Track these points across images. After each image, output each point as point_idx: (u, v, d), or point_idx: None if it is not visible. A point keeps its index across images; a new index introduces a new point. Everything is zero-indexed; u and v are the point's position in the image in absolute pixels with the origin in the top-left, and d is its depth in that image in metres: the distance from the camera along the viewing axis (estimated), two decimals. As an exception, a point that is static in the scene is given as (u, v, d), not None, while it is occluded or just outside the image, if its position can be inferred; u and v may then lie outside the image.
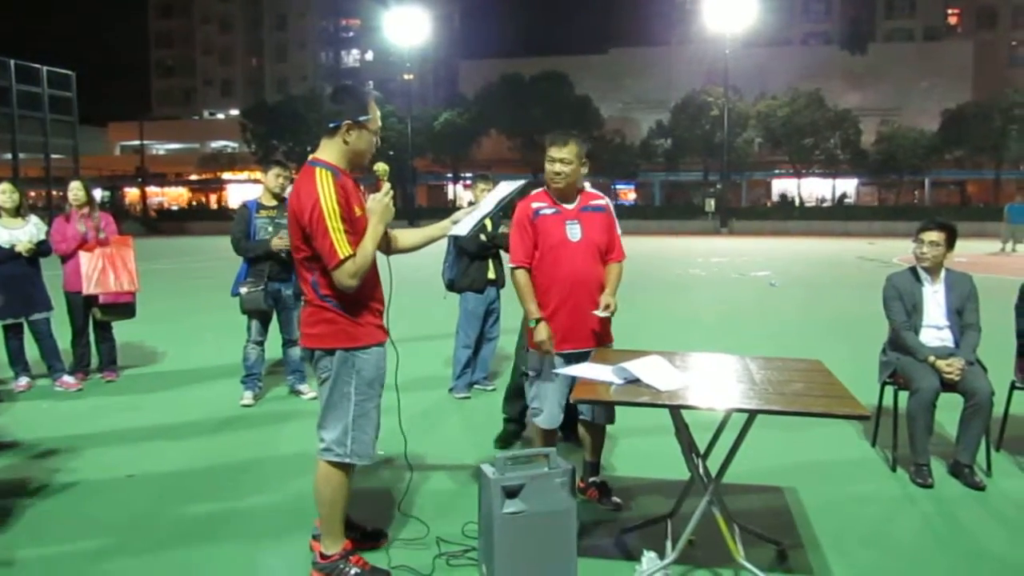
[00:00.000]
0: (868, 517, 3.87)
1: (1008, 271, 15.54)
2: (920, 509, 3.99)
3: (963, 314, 4.49)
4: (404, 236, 3.34)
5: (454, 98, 51.54)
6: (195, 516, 3.81)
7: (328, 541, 3.12)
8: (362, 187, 3.12)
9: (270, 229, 5.65)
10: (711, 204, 44.16)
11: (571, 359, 3.67)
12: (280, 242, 5.49)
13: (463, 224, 3.30)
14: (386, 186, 3.05)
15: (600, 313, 3.65)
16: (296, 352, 5.87)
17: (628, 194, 56.66)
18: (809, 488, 4.17)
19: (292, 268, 5.57)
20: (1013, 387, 4.65)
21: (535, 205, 3.72)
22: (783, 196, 51.64)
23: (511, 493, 3.01)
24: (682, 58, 54.41)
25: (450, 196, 54.75)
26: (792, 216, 44.29)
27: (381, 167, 3.10)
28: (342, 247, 2.85)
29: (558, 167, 3.66)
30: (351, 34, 72.15)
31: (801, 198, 50.87)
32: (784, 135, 45.74)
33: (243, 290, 5.64)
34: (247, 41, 73.77)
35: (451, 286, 5.99)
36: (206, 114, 74.09)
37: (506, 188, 3.42)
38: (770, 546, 3.41)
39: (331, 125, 3.01)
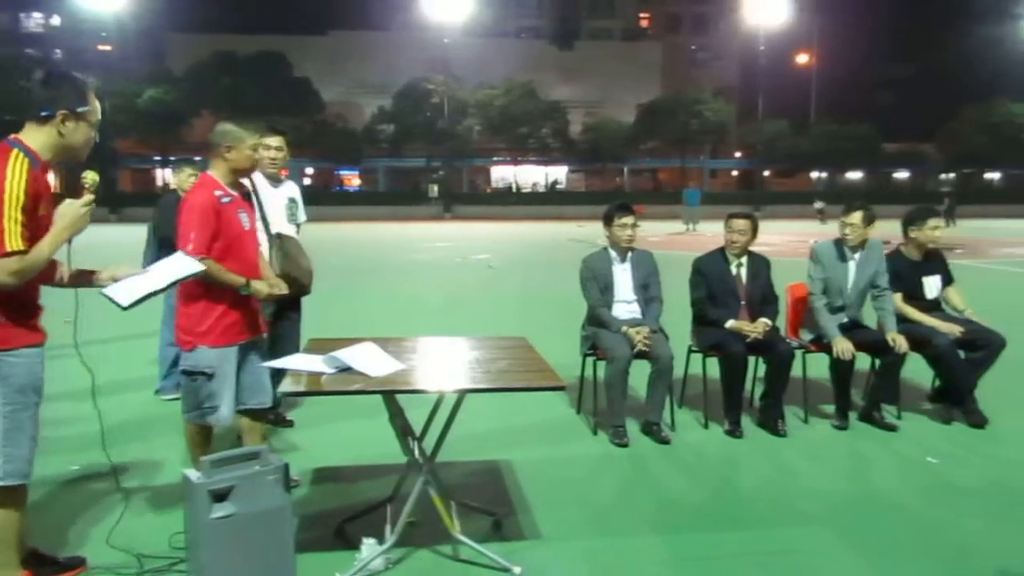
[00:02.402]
0: (574, 478, 4.21)
1: (690, 248, 17.56)
2: (619, 466, 4.41)
3: (648, 288, 5.03)
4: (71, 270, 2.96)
5: (161, 74, 47.46)
6: None
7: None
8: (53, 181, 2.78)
9: None
10: (435, 190, 45.19)
11: (246, 349, 3.59)
12: None
13: (123, 289, 2.93)
14: (89, 196, 2.76)
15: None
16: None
17: (353, 180, 56.14)
18: (521, 457, 4.43)
19: None
20: (690, 351, 5.28)
21: (217, 192, 3.49)
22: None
23: (219, 496, 2.85)
24: (404, 44, 54.64)
25: (159, 182, 50.56)
26: (511, 201, 46.68)
27: (90, 176, 2.81)
28: (12, 239, 2.53)
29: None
30: (34, -6, 63.38)
31: (518, 184, 53.74)
32: (501, 124, 47.97)
33: None
34: None
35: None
36: None
37: (187, 267, 3.18)
38: (486, 517, 3.57)
39: (43, 113, 2.70)
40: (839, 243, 5.21)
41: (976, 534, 3.52)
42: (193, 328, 3.45)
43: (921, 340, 5.01)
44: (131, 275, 3.00)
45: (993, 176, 58.31)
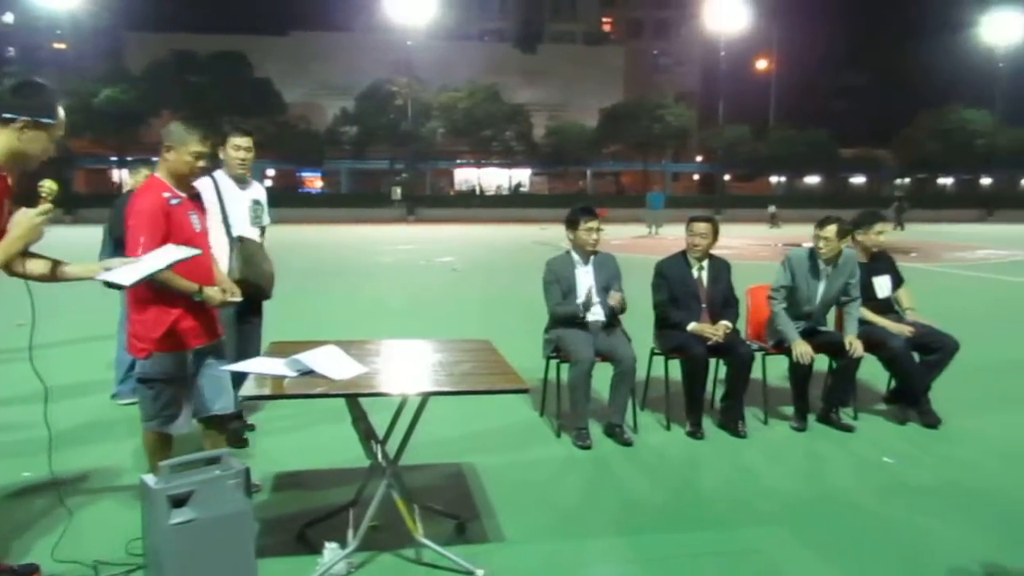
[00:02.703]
0: (537, 481, 4.21)
1: (652, 251, 17.71)
2: (582, 468, 4.43)
3: (610, 291, 5.05)
4: (37, 263, 2.90)
5: (118, 73, 46.56)
6: None
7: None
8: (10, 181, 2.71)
9: None
10: (398, 192, 45.00)
11: (204, 353, 3.50)
12: None
13: (123, 273, 2.93)
14: (46, 206, 2.69)
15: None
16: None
17: (315, 182, 55.64)
18: (484, 460, 4.42)
19: None
20: (652, 353, 5.32)
21: (166, 194, 3.38)
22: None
23: (178, 502, 2.81)
24: (367, 46, 54.20)
25: (116, 181, 49.60)
26: (474, 204, 46.70)
27: (48, 185, 2.74)
28: None
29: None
30: (-17, -9, 61.74)
31: (482, 187, 53.79)
32: (465, 126, 47.95)
33: None
34: None
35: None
36: None
37: (181, 251, 3.17)
38: (449, 520, 3.56)
39: (5, 115, 2.65)
40: (813, 256, 5.17)
41: (930, 532, 3.60)
42: (147, 334, 3.36)
43: (877, 342, 5.11)
44: (125, 264, 2.99)
45: (946, 181, 59.77)
